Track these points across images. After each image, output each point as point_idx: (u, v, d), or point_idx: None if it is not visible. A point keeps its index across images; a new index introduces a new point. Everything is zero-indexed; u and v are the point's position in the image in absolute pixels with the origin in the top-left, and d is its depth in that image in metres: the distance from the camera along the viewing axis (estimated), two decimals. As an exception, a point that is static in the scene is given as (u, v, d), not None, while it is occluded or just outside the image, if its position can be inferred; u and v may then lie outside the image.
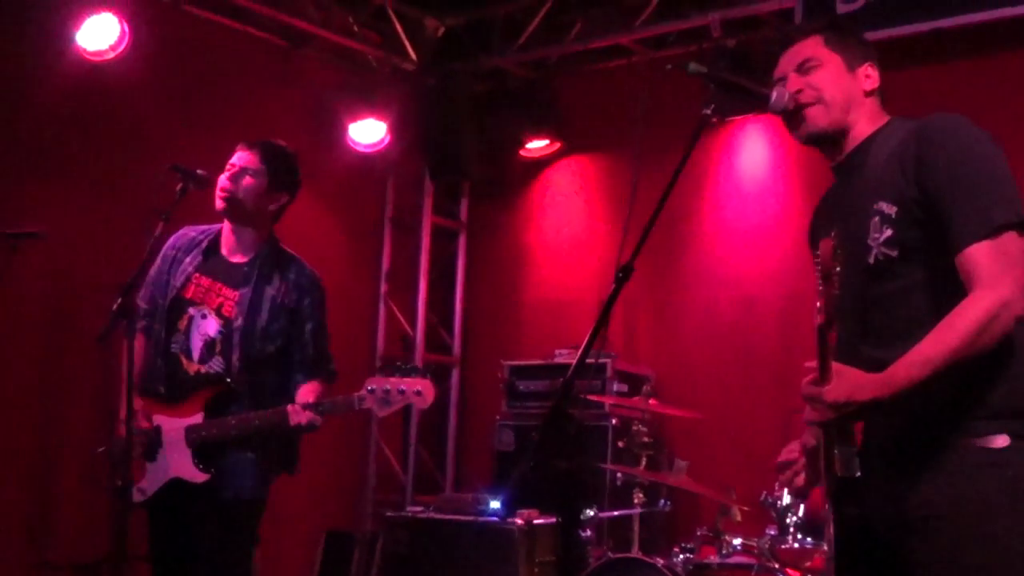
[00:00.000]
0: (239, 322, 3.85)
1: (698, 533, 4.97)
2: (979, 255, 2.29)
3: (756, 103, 2.59)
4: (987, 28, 5.58)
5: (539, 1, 7.00)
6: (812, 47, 2.62)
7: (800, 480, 2.66)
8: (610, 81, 7.07)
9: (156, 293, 4.00)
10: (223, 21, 6.41)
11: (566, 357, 6.50)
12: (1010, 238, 2.30)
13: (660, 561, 4.84)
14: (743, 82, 2.62)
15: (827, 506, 2.50)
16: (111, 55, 5.63)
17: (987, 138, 2.41)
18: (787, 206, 6.41)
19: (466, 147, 7.19)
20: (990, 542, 2.28)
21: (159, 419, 3.86)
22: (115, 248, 5.19)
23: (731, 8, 6.32)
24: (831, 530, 2.48)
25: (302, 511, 6.49)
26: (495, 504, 5.67)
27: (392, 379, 3.62)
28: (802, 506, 4.55)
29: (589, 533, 5.27)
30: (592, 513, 5.25)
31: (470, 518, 5.71)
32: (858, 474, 2.36)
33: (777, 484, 2.75)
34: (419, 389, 3.59)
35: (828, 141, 2.61)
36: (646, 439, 5.36)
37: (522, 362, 6.73)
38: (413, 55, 7.29)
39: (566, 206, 7.40)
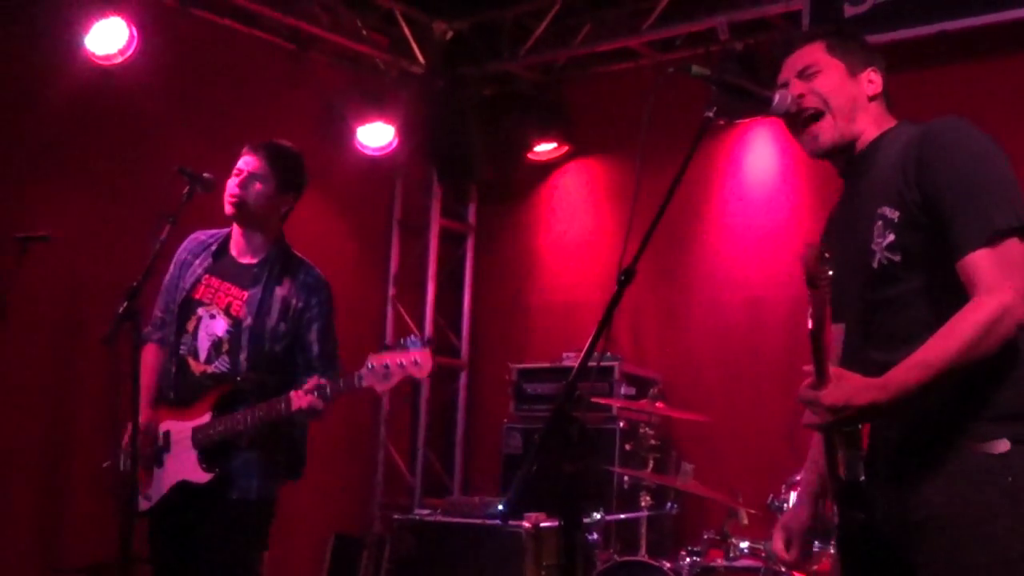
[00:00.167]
0: (248, 321, 3.85)
1: (705, 536, 4.98)
2: (981, 260, 2.28)
3: (759, 105, 2.59)
4: (994, 30, 5.57)
5: (547, 4, 7.01)
6: (814, 53, 2.62)
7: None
8: (618, 84, 7.07)
9: (170, 300, 4.03)
10: (231, 24, 6.43)
11: (574, 360, 6.50)
12: (1012, 243, 2.29)
13: (667, 564, 4.84)
14: (746, 84, 2.62)
15: (834, 510, 2.50)
16: (119, 59, 5.66)
17: (990, 142, 2.40)
18: (795, 209, 6.41)
19: (474, 150, 7.20)
20: (990, 543, 2.28)
21: (168, 424, 3.87)
22: (124, 251, 5.21)
23: (738, 11, 6.32)
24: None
25: (310, 514, 6.50)
26: (502, 507, 5.68)
27: (391, 354, 3.60)
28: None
29: (596, 536, 5.27)
30: (599, 516, 5.25)
31: (478, 521, 5.72)
32: (862, 478, 2.36)
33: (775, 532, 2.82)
34: (416, 359, 3.57)
35: (839, 153, 2.61)
36: (653, 442, 5.38)
37: (530, 365, 6.74)
38: (421, 58, 7.30)
39: (574, 209, 7.40)
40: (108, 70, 5.68)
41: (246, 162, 3.94)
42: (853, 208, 2.58)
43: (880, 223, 2.44)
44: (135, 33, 5.62)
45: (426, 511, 6.15)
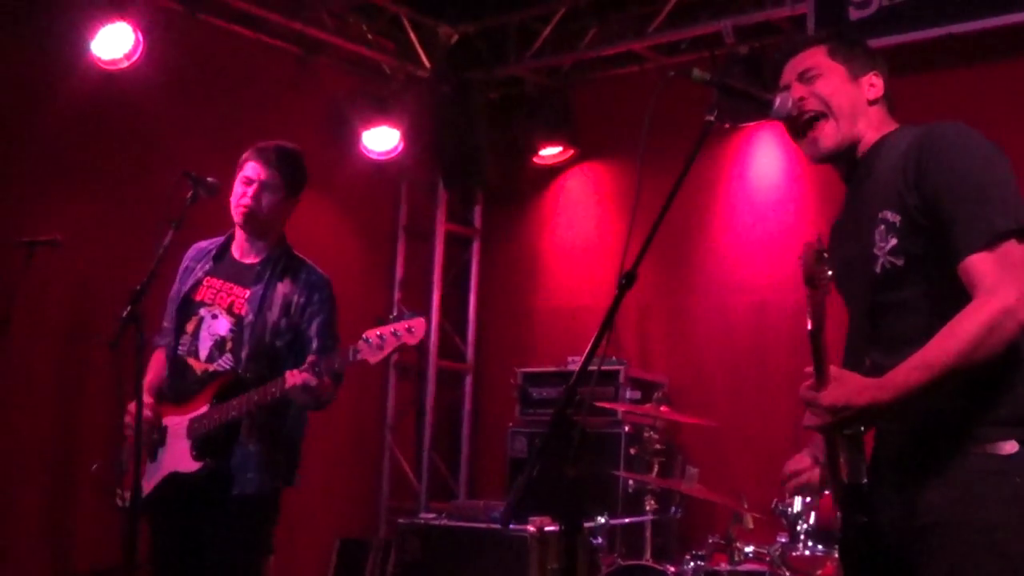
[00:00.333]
0: (250, 317, 3.85)
1: (710, 540, 4.96)
2: (981, 262, 2.28)
3: (761, 109, 2.59)
4: (999, 33, 5.56)
5: (553, 8, 7.02)
6: (815, 57, 2.62)
7: (813, 477, 2.65)
8: (624, 88, 7.08)
9: (175, 309, 4.04)
10: (237, 29, 6.44)
11: (579, 364, 6.50)
12: (1012, 245, 2.28)
13: (671, 569, 4.84)
14: (746, 88, 2.62)
15: (838, 514, 2.50)
16: (126, 64, 5.68)
17: (989, 145, 2.40)
18: (800, 212, 6.40)
19: (480, 154, 7.21)
20: (996, 548, 2.27)
21: (167, 420, 3.87)
22: (131, 254, 5.19)
23: (744, 15, 6.32)
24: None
25: (316, 518, 6.51)
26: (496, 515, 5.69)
27: (386, 327, 3.59)
28: (813, 514, 4.53)
29: (600, 540, 5.27)
30: (603, 520, 5.25)
31: (483, 525, 5.72)
32: (864, 480, 2.35)
33: (787, 491, 2.74)
34: (410, 327, 3.56)
35: (841, 158, 2.61)
36: (658, 446, 5.37)
37: (535, 369, 6.74)
38: (427, 63, 7.31)
39: (580, 213, 7.41)
40: (114, 75, 5.70)
41: (254, 171, 3.92)
42: (855, 213, 2.58)
43: (882, 227, 2.43)
44: (141, 38, 5.64)
45: (431, 515, 6.15)
